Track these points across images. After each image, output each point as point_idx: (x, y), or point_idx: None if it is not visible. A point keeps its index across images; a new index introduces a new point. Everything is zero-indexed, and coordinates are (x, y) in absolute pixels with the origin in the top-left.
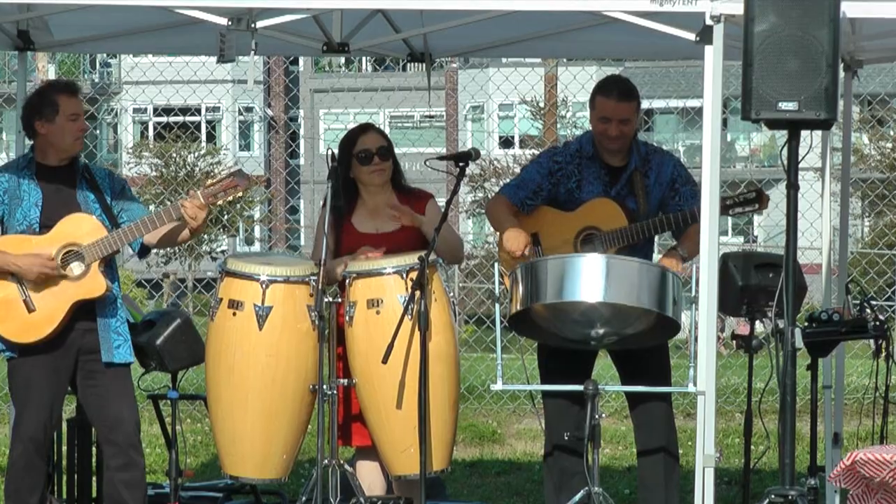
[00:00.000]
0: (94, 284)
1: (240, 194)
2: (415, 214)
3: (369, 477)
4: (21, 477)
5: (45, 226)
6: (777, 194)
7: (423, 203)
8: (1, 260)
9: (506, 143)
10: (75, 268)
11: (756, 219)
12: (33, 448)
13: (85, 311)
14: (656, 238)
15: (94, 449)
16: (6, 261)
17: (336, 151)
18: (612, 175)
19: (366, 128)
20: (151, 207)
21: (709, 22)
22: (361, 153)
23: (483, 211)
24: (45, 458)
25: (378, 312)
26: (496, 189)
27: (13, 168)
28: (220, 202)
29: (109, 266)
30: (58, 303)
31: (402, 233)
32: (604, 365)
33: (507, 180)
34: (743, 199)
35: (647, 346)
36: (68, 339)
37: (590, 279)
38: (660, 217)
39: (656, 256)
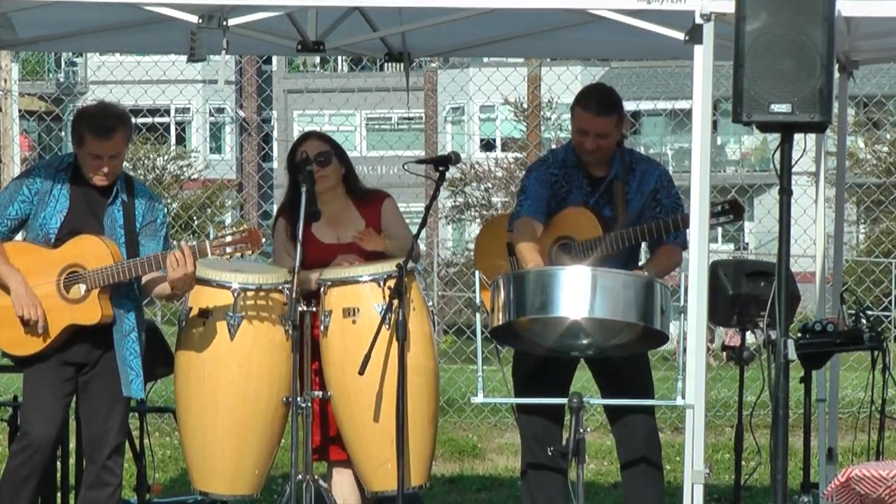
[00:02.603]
0: (90, 311)
1: (249, 251)
2: (378, 239)
3: (344, 492)
4: (17, 488)
5: (62, 239)
6: (769, 200)
7: (379, 205)
8: (6, 274)
9: (487, 145)
10: (78, 290)
11: (747, 225)
12: (37, 460)
13: (94, 331)
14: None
15: (58, 464)
16: (9, 278)
17: (309, 154)
18: (593, 184)
19: (307, 136)
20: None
21: (698, 20)
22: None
23: (463, 217)
24: (45, 473)
25: (354, 322)
26: (477, 194)
27: (52, 167)
28: (227, 256)
29: (128, 297)
30: (52, 322)
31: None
32: (588, 377)
33: (488, 185)
34: (718, 211)
35: (630, 356)
36: (73, 356)
37: (575, 293)
38: (638, 227)
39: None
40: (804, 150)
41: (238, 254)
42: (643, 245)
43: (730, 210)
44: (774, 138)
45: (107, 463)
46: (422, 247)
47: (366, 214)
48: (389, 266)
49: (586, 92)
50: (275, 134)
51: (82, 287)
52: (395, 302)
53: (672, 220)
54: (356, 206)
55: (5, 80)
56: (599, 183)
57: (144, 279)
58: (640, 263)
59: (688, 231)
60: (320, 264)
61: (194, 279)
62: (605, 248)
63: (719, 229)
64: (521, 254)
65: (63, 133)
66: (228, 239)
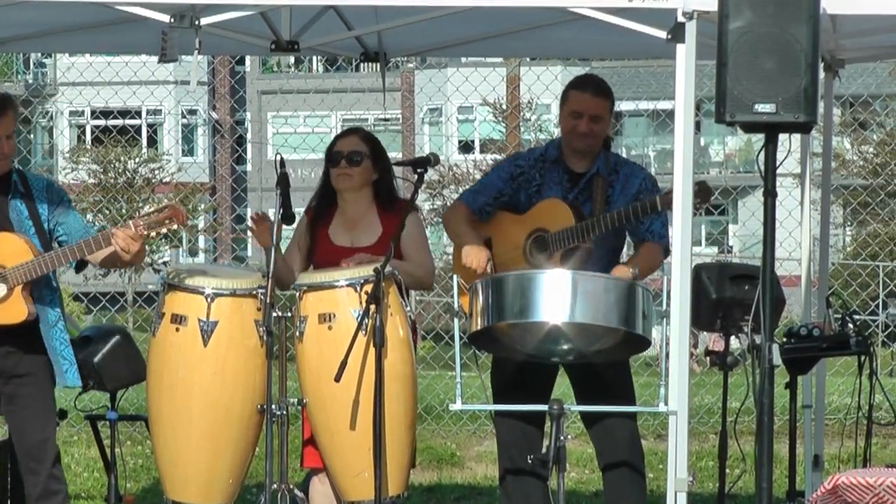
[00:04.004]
0: (14, 310)
1: (174, 227)
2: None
3: (322, 502)
4: None
5: None
6: (753, 202)
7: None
8: None
9: (466, 147)
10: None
11: (731, 228)
12: None
13: (14, 335)
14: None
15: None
16: None
17: (283, 156)
18: (573, 180)
19: (349, 131)
20: (89, 217)
21: (681, 19)
22: (333, 155)
23: (441, 220)
24: None
25: (330, 328)
26: (455, 197)
27: None
28: (152, 233)
29: (48, 287)
30: None
31: (381, 247)
32: (569, 383)
33: (468, 187)
34: None
35: (611, 362)
36: None
37: (555, 297)
38: (612, 212)
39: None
40: (789, 151)
41: (163, 230)
42: (625, 245)
43: (696, 194)
44: (759, 139)
45: (52, 471)
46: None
47: (386, 223)
48: (366, 271)
49: (580, 76)
50: (248, 136)
51: (3, 286)
52: (373, 307)
53: (650, 203)
54: (379, 213)
55: None
56: (579, 178)
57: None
58: (623, 260)
59: (666, 224)
60: (330, 266)
61: (144, 249)
62: (578, 235)
63: (703, 232)
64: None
65: (32, 136)
66: (151, 217)
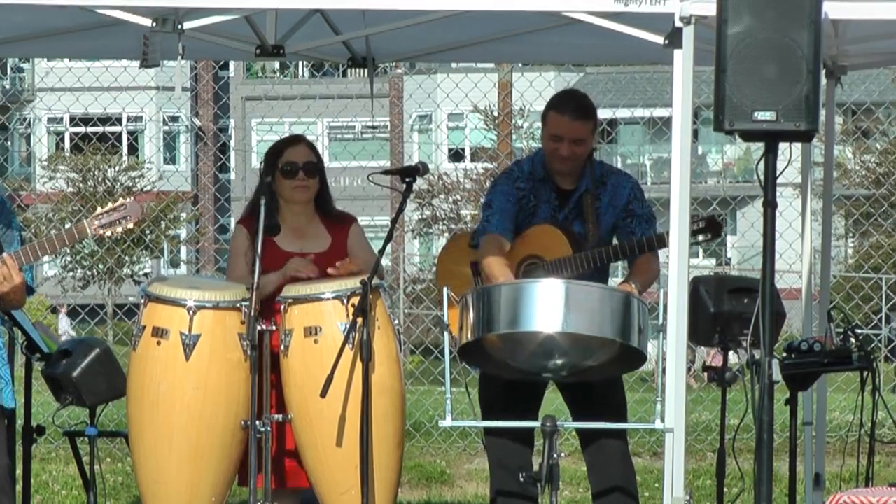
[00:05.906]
0: None
1: (130, 226)
2: (351, 268)
3: None
4: None
5: None
6: (753, 213)
7: (347, 227)
8: None
9: (456, 155)
10: None
11: (730, 240)
12: None
13: None
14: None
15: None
16: None
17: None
18: (562, 198)
19: (295, 139)
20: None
21: (678, 24)
22: (287, 166)
23: (430, 230)
24: None
25: (316, 341)
26: (444, 206)
27: None
28: (108, 233)
29: None
30: None
31: (333, 253)
32: (563, 400)
33: (456, 196)
34: (694, 229)
35: (604, 379)
36: None
37: (547, 307)
38: (609, 247)
39: (612, 283)
40: (789, 161)
41: (120, 228)
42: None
43: (707, 228)
44: (758, 148)
45: (4, 486)
46: (386, 262)
47: (333, 232)
48: (353, 283)
49: (561, 96)
50: (232, 143)
51: None
52: (360, 320)
53: (647, 240)
54: (324, 223)
55: None
56: (568, 196)
57: None
58: (623, 279)
59: (654, 226)
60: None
61: (24, 289)
62: (574, 267)
63: None
64: (490, 270)
65: (9, 143)
66: (107, 216)
